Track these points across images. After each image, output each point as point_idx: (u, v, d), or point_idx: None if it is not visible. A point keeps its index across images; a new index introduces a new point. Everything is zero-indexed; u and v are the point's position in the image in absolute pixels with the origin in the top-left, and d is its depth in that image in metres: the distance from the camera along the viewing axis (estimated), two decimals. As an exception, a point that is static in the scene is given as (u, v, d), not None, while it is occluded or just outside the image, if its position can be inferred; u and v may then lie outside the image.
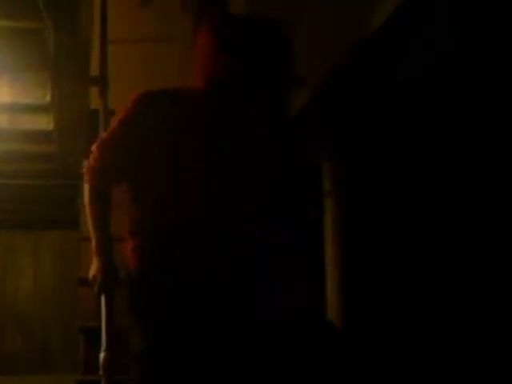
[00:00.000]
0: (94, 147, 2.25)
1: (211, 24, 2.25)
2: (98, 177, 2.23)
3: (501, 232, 2.67)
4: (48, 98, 4.35)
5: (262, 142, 2.33)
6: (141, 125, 2.16)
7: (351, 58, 2.72)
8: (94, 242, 2.21)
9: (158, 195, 2.16)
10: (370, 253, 3.14)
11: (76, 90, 3.95)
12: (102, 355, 2.67)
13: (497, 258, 2.68)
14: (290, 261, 3.25)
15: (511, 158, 2.64)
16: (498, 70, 2.64)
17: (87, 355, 4.06)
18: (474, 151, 2.81)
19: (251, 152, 2.27)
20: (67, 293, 8.50)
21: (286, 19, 3.36)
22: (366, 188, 3.18)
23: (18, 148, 5.51)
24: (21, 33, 3.67)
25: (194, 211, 2.15)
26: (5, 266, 9.44)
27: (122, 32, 4.81)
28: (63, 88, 3.96)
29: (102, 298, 2.68)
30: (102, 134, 2.27)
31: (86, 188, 2.26)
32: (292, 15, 3.30)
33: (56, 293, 9.21)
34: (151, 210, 2.16)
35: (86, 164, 2.32)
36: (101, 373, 2.63)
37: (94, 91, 3.68)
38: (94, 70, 3.55)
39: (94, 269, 2.20)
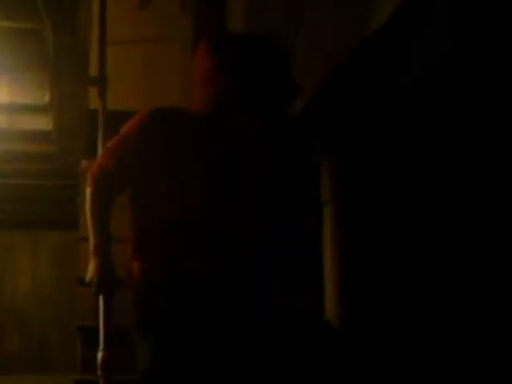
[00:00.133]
0: (100, 153, 2.28)
1: (208, 46, 2.27)
2: (101, 184, 2.25)
3: (502, 239, 2.67)
4: (47, 98, 4.36)
5: (262, 145, 2.34)
6: (149, 140, 2.18)
7: (351, 58, 2.73)
8: (92, 243, 2.22)
9: (160, 195, 2.18)
10: (368, 253, 3.14)
11: (75, 91, 3.95)
12: (99, 355, 2.67)
13: (497, 264, 2.68)
14: (289, 261, 3.25)
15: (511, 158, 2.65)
16: (498, 70, 2.64)
17: (85, 355, 4.07)
18: (475, 152, 2.82)
19: (251, 154, 2.29)
20: (66, 293, 8.50)
21: (286, 19, 3.37)
22: (366, 189, 3.19)
23: (18, 148, 5.51)
24: (20, 33, 3.68)
25: (195, 212, 2.17)
26: (3, 265, 9.45)
27: (122, 33, 4.82)
28: (62, 88, 3.96)
29: (100, 299, 2.69)
30: (110, 141, 2.28)
31: (88, 192, 2.28)
32: (292, 15, 3.30)
33: (55, 293, 9.22)
34: (154, 211, 2.19)
35: (89, 167, 2.34)
36: (99, 373, 2.63)
37: (92, 91, 3.68)
38: (93, 70, 3.56)
39: (91, 270, 2.20)
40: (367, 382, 3.00)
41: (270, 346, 2.79)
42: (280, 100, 2.32)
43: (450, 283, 2.89)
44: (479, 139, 2.79)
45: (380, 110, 3.05)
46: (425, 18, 2.40)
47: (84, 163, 4.98)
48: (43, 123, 4.89)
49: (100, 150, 3.12)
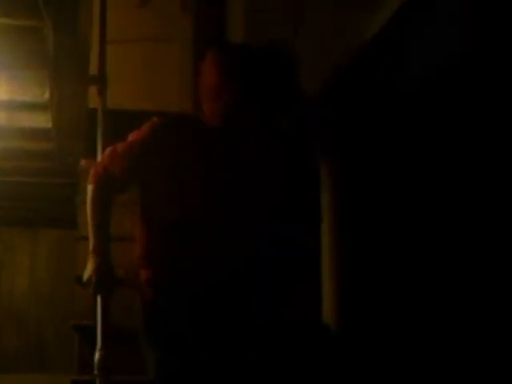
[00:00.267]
0: (106, 153, 2.28)
1: (212, 59, 2.28)
2: (103, 184, 2.27)
3: (503, 244, 2.66)
4: (46, 96, 4.35)
5: (263, 146, 2.35)
6: (158, 149, 2.20)
7: (351, 59, 2.73)
8: (91, 242, 2.22)
9: (160, 195, 2.19)
10: (367, 256, 3.14)
11: (75, 90, 3.94)
12: (97, 355, 2.67)
13: (496, 268, 2.68)
14: (289, 261, 3.25)
15: None
16: (500, 71, 2.63)
17: (82, 354, 4.06)
18: (476, 156, 2.81)
19: (252, 155, 2.30)
20: (64, 291, 8.48)
21: (286, 19, 3.37)
22: (366, 191, 3.18)
23: (16, 145, 5.50)
24: (19, 30, 3.66)
25: (195, 212, 2.18)
26: (1, 263, 9.43)
27: (122, 32, 4.82)
28: (62, 87, 3.95)
29: (98, 298, 2.69)
30: (119, 144, 2.28)
31: (89, 190, 2.29)
32: (292, 15, 3.30)
33: (53, 291, 9.20)
34: (154, 212, 2.19)
35: (89, 166, 2.35)
36: (96, 372, 2.63)
37: (92, 90, 3.68)
38: (93, 69, 3.55)
39: (89, 269, 2.21)
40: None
41: (269, 347, 2.80)
42: (283, 107, 2.34)
43: (448, 287, 2.89)
44: (481, 143, 2.78)
45: (381, 111, 3.04)
46: (426, 19, 2.40)
47: (83, 162, 4.97)
48: (42, 121, 4.87)
49: (99, 149, 3.12)
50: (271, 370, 2.87)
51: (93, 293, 2.26)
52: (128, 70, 4.98)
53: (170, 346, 2.12)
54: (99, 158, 2.92)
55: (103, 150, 3.04)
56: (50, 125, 4.82)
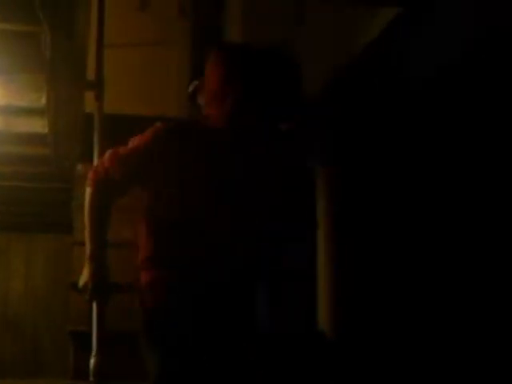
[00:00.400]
0: (106, 155, 2.26)
1: (214, 59, 2.28)
2: (103, 187, 2.25)
3: (503, 247, 2.66)
4: (43, 100, 4.33)
5: (262, 147, 2.35)
6: (161, 154, 2.19)
7: (351, 61, 2.73)
8: (88, 247, 2.21)
9: (161, 196, 2.19)
10: (363, 261, 3.13)
11: (72, 94, 3.93)
12: (92, 361, 2.66)
13: (496, 270, 2.67)
14: (287, 262, 3.25)
15: None
16: (500, 74, 2.63)
17: (77, 360, 4.05)
18: (477, 159, 2.80)
19: (251, 156, 2.29)
20: (59, 296, 8.46)
21: (285, 21, 3.36)
22: (363, 195, 3.18)
23: (13, 150, 5.48)
24: (17, 35, 3.66)
25: (195, 212, 2.18)
26: (-3, 267, 9.41)
27: (120, 36, 4.81)
28: (59, 92, 3.94)
29: (93, 305, 2.68)
30: (121, 147, 2.27)
31: (88, 193, 2.27)
32: (292, 17, 3.30)
33: (48, 296, 9.18)
34: (155, 212, 2.19)
35: (86, 171, 2.34)
36: (91, 378, 2.62)
37: (88, 94, 3.67)
38: (90, 74, 3.54)
39: (85, 275, 2.19)
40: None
41: (268, 347, 2.79)
42: (285, 108, 2.33)
43: (445, 292, 2.88)
44: (481, 143, 2.77)
45: (380, 111, 3.04)
46: (425, 19, 2.40)
47: (80, 167, 4.96)
48: (39, 126, 4.86)
49: (96, 154, 3.10)
50: (271, 370, 2.87)
51: (88, 299, 2.25)
52: (125, 74, 4.97)
53: (171, 346, 2.12)
54: (96, 162, 2.91)
55: (100, 154, 3.02)
56: (46, 130, 4.81)
